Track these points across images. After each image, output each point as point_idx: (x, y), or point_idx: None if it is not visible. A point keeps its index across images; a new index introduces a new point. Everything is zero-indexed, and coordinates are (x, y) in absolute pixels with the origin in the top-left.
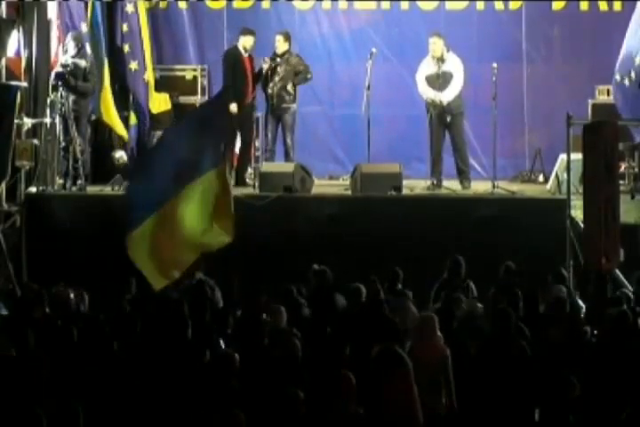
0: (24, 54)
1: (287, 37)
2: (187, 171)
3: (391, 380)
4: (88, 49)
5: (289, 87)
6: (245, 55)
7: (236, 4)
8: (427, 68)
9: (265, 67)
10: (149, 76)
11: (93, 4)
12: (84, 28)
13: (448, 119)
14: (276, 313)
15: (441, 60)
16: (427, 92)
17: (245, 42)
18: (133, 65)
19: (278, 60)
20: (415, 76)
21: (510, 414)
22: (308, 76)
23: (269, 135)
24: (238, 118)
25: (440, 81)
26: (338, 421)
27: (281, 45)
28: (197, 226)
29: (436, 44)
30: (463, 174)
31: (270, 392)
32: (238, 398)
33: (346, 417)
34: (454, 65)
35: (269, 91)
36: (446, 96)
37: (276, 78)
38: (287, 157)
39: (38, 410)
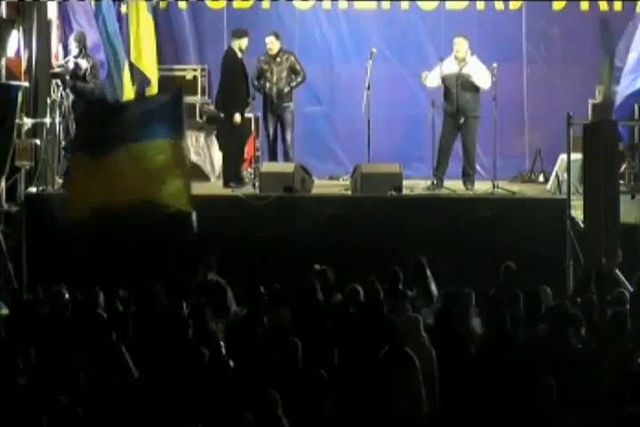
0: (24, 54)
1: (277, 37)
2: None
3: (399, 380)
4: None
5: (287, 86)
6: (241, 57)
7: (236, 4)
8: (448, 67)
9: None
10: (151, 74)
11: (100, 4)
12: (88, 28)
13: (461, 120)
14: (279, 313)
15: (463, 61)
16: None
17: (242, 43)
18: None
19: (274, 59)
20: (424, 71)
21: (497, 416)
22: (300, 79)
23: (270, 134)
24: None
25: (459, 82)
26: (312, 420)
27: (274, 46)
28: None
29: (460, 45)
30: (468, 177)
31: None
32: (236, 399)
33: (322, 417)
34: (477, 68)
35: (267, 90)
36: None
37: (274, 78)
38: (286, 156)
39: (38, 410)
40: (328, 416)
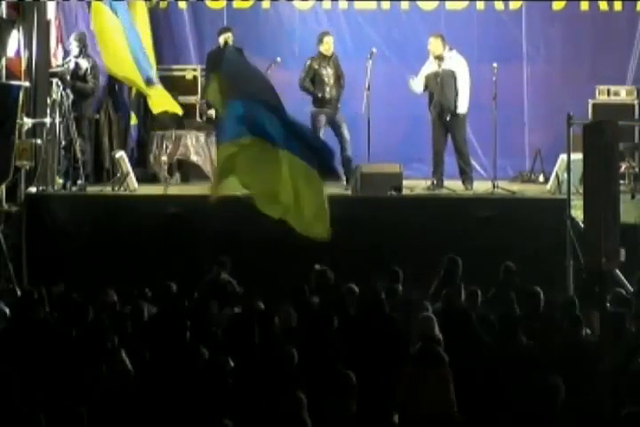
0: (24, 54)
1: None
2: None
3: (430, 380)
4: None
5: (339, 88)
6: None
7: (236, 4)
8: (427, 67)
9: (269, 72)
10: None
11: (113, 4)
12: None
13: (448, 118)
14: (285, 314)
15: (440, 58)
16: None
17: (223, 41)
18: None
19: (328, 61)
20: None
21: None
22: (343, 82)
23: (321, 133)
24: None
25: (438, 79)
26: (336, 421)
27: (330, 47)
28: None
29: (432, 44)
30: (465, 175)
31: (272, 395)
32: (233, 399)
33: (344, 418)
34: (456, 63)
35: (325, 92)
36: (461, 108)
37: (331, 80)
38: (344, 152)
39: (38, 411)
40: (351, 417)
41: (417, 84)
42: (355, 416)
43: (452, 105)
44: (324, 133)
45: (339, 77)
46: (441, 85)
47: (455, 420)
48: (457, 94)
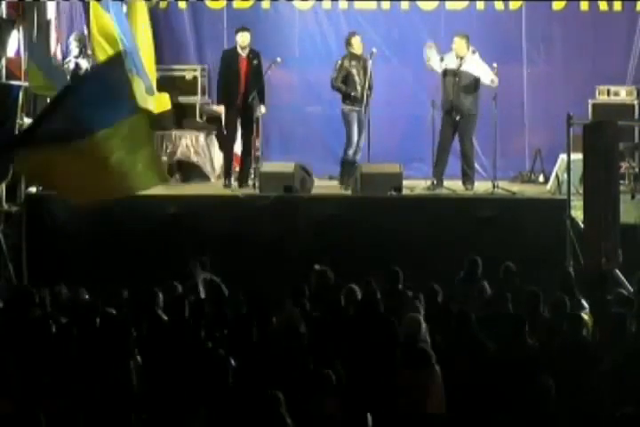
0: (24, 54)
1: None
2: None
3: (413, 380)
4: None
5: (368, 88)
6: (243, 55)
7: (236, 4)
8: (448, 60)
9: (269, 72)
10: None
11: (109, 7)
12: (86, 29)
13: (457, 118)
14: (290, 314)
15: (461, 59)
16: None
17: (240, 40)
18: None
19: (358, 60)
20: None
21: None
22: (371, 82)
23: (356, 133)
24: (238, 119)
25: (456, 79)
26: (315, 420)
27: (360, 46)
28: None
29: (457, 44)
30: (467, 177)
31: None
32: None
33: (322, 417)
34: (476, 68)
35: (357, 92)
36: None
37: (362, 80)
38: (355, 156)
39: (37, 410)
40: (333, 417)
41: (436, 62)
42: (340, 416)
43: (463, 107)
44: (345, 131)
45: (368, 78)
46: (457, 86)
47: (442, 421)
48: (473, 98)
